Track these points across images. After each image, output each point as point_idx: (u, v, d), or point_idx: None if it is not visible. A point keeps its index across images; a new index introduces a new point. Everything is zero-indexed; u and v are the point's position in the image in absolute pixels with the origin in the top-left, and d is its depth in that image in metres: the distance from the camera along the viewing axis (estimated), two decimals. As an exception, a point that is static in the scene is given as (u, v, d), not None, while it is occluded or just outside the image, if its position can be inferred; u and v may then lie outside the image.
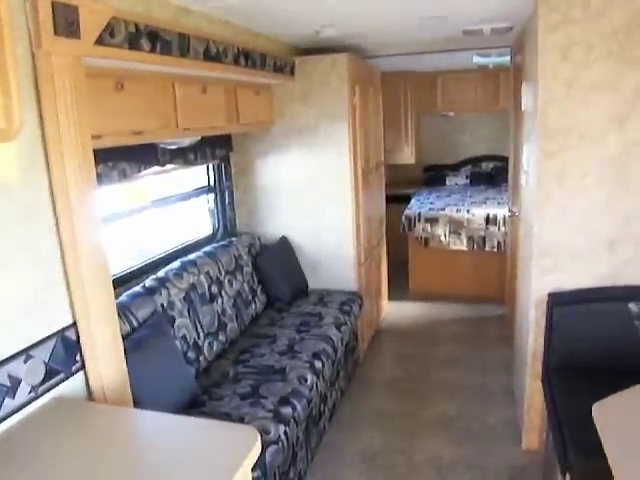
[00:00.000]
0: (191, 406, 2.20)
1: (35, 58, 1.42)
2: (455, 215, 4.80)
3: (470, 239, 4.77)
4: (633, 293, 2.34)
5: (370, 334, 4.00)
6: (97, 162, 1.64)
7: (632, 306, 2.30)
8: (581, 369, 2.29)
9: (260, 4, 2.18)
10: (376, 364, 3.73)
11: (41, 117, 1.45)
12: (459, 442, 2.78)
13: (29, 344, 1.48)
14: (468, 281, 4.84)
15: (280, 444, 2.04)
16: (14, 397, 1.42)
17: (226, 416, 2.13)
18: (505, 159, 4.36)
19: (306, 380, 2.45)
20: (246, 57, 2.63)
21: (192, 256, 2.87)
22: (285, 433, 2.09)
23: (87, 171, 1.56)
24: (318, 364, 2.62)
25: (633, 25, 2.15)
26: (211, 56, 2.28)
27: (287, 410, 2.20)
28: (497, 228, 4.65)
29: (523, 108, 2.96)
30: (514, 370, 3.28)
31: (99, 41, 1.60)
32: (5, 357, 1.41)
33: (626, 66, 2.19)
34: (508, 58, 4.04)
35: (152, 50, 1.87)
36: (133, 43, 1.76)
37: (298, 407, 2.26)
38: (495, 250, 4.68)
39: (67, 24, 1.43)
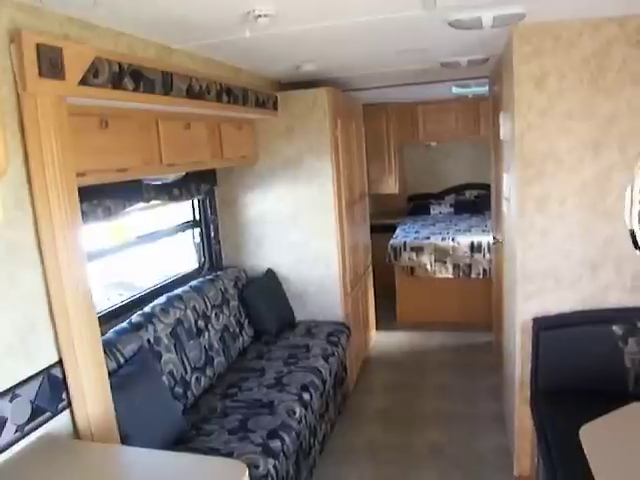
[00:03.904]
0: (179, 442, 2.16)
1: (20, 99, 1.45)
2: (440, 243, 4.85)
3: (456, 267, 4.81)
4: (616, 315, 2.38)
5: (358, 364, 3.98)
6: (82, 200, 1.66)
7: (616, 328, 2.33)
8: (568, 392, 2.30)
9: (243, 41, 2.25)
10: (365, 395, 3.70)
11: (26, 156, 1.48)
12: (451, 471, 2.74)
13: (14, 383, 1.47)
14: (455, 309, 4.85)
15: (270, 478, 2.01)
16: (0, 436, 1.40)
17: (215, 451, 2.09)
18: (488, 186, 4.43)
19: (295, 413, 2.42)
20: (228, 93, 2.69)
21: (178, 291, 2.86)
22: (275, 467, 2.06)
23: (72, 209, 1.58)
24: (306, 396, 2.59)
25: (602, 54, 2.24)
26: (194, 93, 2.33)
27: (276, 444, 2.17)
28: (482, 255, 4.70)
29: (502, 137, 3.04)
30: (503, 396, 3.28)
31: (83, 81, 1.63)
32: None
33: (598, 94, 2.28)
34: (486, 88, 4.16)
35: (136, 89, 1.91)
36: (117, 82, 1.80)
37: (287, 440, 2.23)
38: (481, 277, 4.72)
39: (51, 65, 1.47)
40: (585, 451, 1.40)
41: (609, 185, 2.35)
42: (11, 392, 1.45)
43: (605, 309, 2.43)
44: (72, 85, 1.58)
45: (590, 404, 1.81)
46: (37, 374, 1.54)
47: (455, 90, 4.75)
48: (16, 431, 1.45)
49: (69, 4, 1.58)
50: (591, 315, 2.42)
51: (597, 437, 1.47)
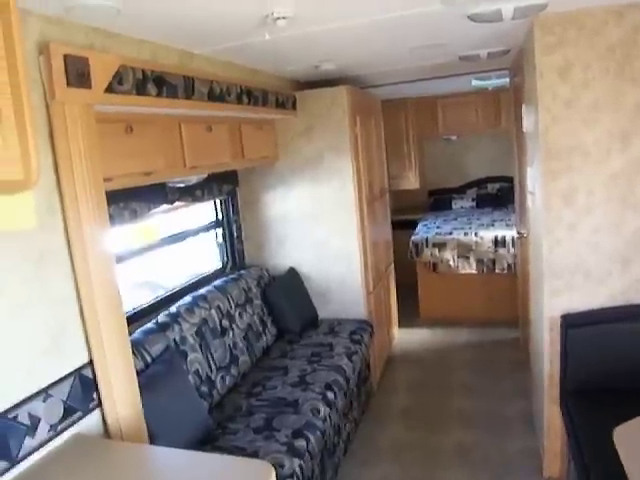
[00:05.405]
0: (205, 441, 2.19)
1: (49, 108, 1.49)
2: (463, 239, 4.80)
3: (479, 262, 4.75)
4: (648, 311, 2.32)
5: (382, 362, 3.97)
6: (109, 203, 1.70)
7: (648, 324, 2.28)
8: (599, 391, 2.25)
9: (262, 44, 2.26)
10: (389, 393, 3.69)
11: (56, 164, 1.52)
12: (478, 473, 2.71)
13: (48, 383, 1.51)
14: (479, 305, 4.80)
15: (295, 478, 2.02)
16: (34, 436, 1.45)
17: (240, 450, 2.12)
18: (511, 179, 4.37)
19: (319, 412, 2.43)
20: (248, 95, 2.71)
21: (203, 290, 2.90)
22: (300, 467, 2.07)
23: (100, 213, 1.61)
24: (331, 395, 2.60)
25: (629, 42, 2.19)
26: (215, 96, 2.36)
27: (301, 443, 2.18)
28: (506, 250, 4.63)
29: (525, 129, 2.99)
30: (531, 395, 3.23)
31: (109, 89, 1.67)
32: (25, 397, 1.44)
33: (625, 83, 2.22)
34: (507, 80, 4.10)
35: (159, 94, 1.94)
36: (141, 89, 1.84)
37: (312, 440, 2.24)
38: (505, 272, 4.66)
39: (78, 75, 1.51)
40: (619, 453, 1.36)
41: (639, 176, 2.29)
42: (44, 392, 1.49)
43: (636, 305, 2.37)
44: (99, 93, 1.62)
45: (623, 404, 1.77)
46: (69, 375, 1.58)
47: (475, 83, 4.69)
48: (49, 430, 1.50)
49: (94, 15, 1.61)
50: (622, 311, 2.36)
51: (632, 439, 1.43)
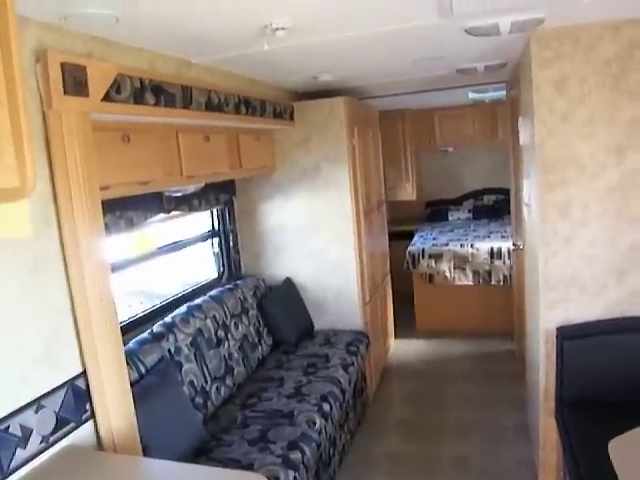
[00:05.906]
0: (200, 452, 2.17)
1: (46, 117, 1.49)
2: (459, 250, 4.81)
3: (475, 274, 4.75)
4: (643, 323, 2.32)
5: (378, 374, 3.95)
6: (105, 212, 1.69)
7: (644, 337, 2.28)
8: (595, 404, 2.25)
9: (261, 54, 2.27)
10: (385, 405, 3.67)
11: (52, 172, 1.52)
12: (474, 484, 2.70)
13: (40, 394, 1.50)
14: (475, 316, 4.79)
15: (290, 491, 2.00)
16: (26, 447, 1.44)
17: (235, 462, 2.09)
18: (507, 191, 4.39)
19: (315, 424, 2.41)
20: (246, 105, 2.72)
21: (198, 300, 2.88)
22: (295, 479, 2.05)
23: (95, 222, 1.61)
24: (326, 407, 2.58)
25: (625, 56, 2.20)
26: (213, 106, 2.36)
27: (296, 455, 2.16)
28: (502, 262, 4.64)
29: (521, 142, 3.01)
30: (527, 407, 3.22)
31: (106, 97, 1.67)
32: (17, 408, 1.43)
33: (621, 97, 2.24)
34: (504, 93, 4.13)
35: (156, 104, 1.94)
36: (138, 98, 1.84)
37: (307, 452, 2.22)
38: (501, 284, 4.66)
39: (76, 83, 1.51)
40: (614, 466, 1.36)
41: (634, 190, 2.30)
42: (37, 403, 1.48)
43: (632, 317, 2.37)
44: (96, 102, 1.62)
45: (619, 416, 1.76)
46: (62, 385, 1.57)
47: (472, 95, 4.72)
48: (41, 442, 1.48)
49: (92, 24, 1.61)
50: (618, 323, 2.36)
51: (627, 451, 1.43)
